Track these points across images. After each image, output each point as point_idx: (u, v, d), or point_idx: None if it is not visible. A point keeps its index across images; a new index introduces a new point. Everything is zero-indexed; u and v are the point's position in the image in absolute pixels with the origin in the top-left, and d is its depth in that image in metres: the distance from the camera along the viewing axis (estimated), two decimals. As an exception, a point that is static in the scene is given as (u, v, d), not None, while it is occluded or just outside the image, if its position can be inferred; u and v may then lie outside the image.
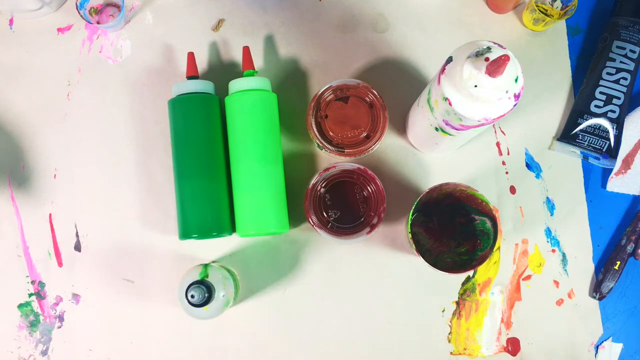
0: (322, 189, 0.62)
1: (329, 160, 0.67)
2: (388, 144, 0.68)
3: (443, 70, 0.50)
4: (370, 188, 0.62)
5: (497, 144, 0.69)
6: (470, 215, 0.63)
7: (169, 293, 0.65)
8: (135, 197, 0.66)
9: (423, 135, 0.62)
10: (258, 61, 0.69)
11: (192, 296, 0.54)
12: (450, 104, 0.49)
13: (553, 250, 0.67)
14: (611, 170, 0.68)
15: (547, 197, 0.68)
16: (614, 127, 0.67)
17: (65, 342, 0.64)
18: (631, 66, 0.68)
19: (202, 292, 0.54)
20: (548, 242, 0.67)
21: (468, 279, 0.66)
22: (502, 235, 0.67)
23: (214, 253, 0.66)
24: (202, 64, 0.68)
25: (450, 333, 0.65)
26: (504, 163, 0.68)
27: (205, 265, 0.59)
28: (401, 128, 0.68)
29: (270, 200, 0.61)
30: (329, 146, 0.62)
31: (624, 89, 0.67)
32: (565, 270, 0.67)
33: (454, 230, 0.64)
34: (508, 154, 0.68)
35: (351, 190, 0.63)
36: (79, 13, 0.65)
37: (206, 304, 0.55)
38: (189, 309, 0.57)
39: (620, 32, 0.68)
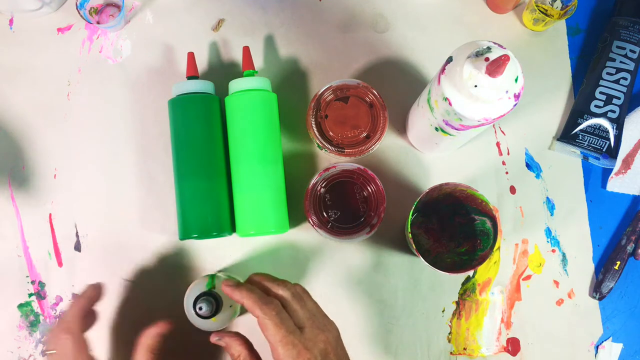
0: (322, 189, 0.62)
1: (329, 160, 0.67)
2: (388, 144, 0.68)
3: (443, 70, 0.50)
4: (370, 188, 0.62)
5: (497, 144, 0.69)
6: (470, 215, 0.62)
7: (169, 293, 0.65)
8: (135, 197, 0.66)
9: (423, 135, 0.62)
10: (258, 61, 0.69)
11: (200, 308, 0.54)
12: (450, 104, 0.49)
13: (553, 250, 0.67)
14: (611, 170, 0.68)
15: (547, 197, 0.68)
16: (614, 127, 0.67)
17: (65, 342, 0.64)
18: (631, 66, 0.68)
19: (210, 303, 0.54)
20: (548, 242, 0.67)
21: (468, 279, 0.66)
22: (502, 235, 0.67)
23: (214, 253, 0.66)
24: (202, 64, 0.68)
25: (450, 333, 0.65)
26: (504, 163, 0.68)
27: (212, 276, 0.58)
28: (401, 128, 0.68)
29: (270, 200, 0.61)
30: (329, 146, 0.62)
31: (624, 89, 0.67)
32: (565, 270, 0.67)
33: (454, 231, 0.64)
34: (508, 154, 0.68)
35: (351, 190, 0.63)
36: (79, 13, 0.65)
37: (214, 315, 0.54)
38: (197, 321, 0.56)
39: (620, 32, 0.68)
